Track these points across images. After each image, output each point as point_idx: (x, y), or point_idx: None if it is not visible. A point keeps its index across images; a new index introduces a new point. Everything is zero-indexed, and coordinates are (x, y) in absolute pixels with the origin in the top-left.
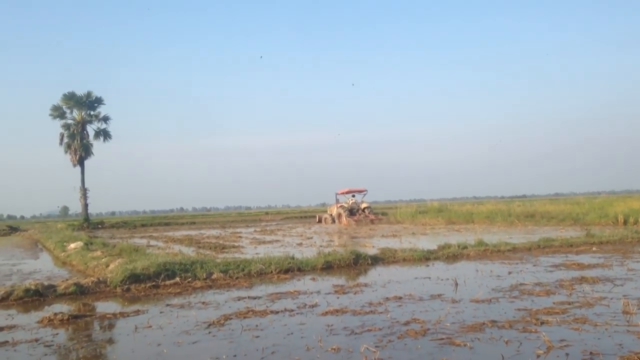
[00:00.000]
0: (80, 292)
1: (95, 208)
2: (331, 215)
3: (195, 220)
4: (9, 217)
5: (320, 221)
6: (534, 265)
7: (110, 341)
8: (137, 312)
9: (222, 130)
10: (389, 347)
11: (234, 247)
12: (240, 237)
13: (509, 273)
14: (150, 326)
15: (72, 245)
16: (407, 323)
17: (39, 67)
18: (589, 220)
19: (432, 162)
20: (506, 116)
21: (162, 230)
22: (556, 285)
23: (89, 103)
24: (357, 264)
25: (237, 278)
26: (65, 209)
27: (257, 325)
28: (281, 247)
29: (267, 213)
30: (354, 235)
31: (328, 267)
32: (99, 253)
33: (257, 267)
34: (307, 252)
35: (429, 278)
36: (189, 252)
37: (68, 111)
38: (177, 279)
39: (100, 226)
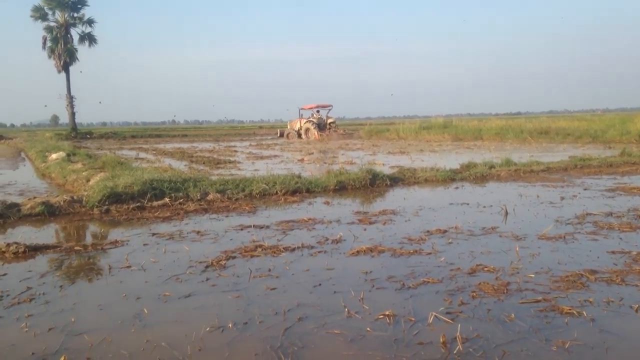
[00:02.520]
0: (49, 212)
1: (86, 118)
2: (296, 130)
3: (188, 133)
4: None
5: (281, 136)
6: (585, 189)
7: (72, 289)
8: (115, 244)
9: (215, 43)
10: (466, 316)
11: (229, 162)
12: (235, 151)
13: (562, 199)
14: (129, 266)
15: (54, 156)
16: (472, 272)
17: None
18: (609, 137)
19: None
20: (501, 33)
21: (153, 142)
22: (634, 216)
23: (71, 4)
24: (374, 184)
25: (236, 200)
26: (55, 118)
27: (269, 270)
28: (281, 162)
29: (261, 127)
30: (346, 150)
31: (341, 188)
32: (79, 165)
33: (259, 187)
34: (311, 169)
35: (467, 204)
36: (181, 166)
37: (50, 12)
38: (167, 199)
39: (88, 136)
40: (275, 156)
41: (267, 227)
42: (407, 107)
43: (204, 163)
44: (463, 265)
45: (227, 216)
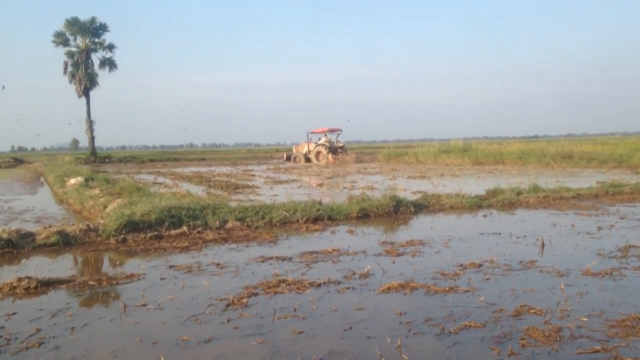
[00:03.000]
0: (64, 242)
1: (106, 142)
2: (303, 154)
3: (205, 156)
4: (20, 149)
5: (288, 159)
6: (621, 218)
7: (84, 332)
8: (131, 278)
9: (233, 66)
10: None
11: (247, 186)
12: (253, 175)
13: (599, 229)
14: (145, 304)
15: (72, 181)
16: (517, 314)
17: None
18: (635, 162)
19: (433, 100)
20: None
21: (171, 166)
22: None
23: (93, 30)
24: (398, 211)
25: (256, 228)
26: (75, 142)
27: (295, 310)
28: (300, 187)
29: (277, 150)
30: (365, 175)
31: (364, 215)
32: (97, 191)
33: (280, 214)
34: (331, 195)
35: (499, 234)
36: (199, 191)
37: (71, 38)
38: (185, 228)
39: (107, 160)
40: (294, 180)
41: (290, 259)
42: (424, 130)
43: (222, 188)
44: (506, 305)
45: (247, 246)
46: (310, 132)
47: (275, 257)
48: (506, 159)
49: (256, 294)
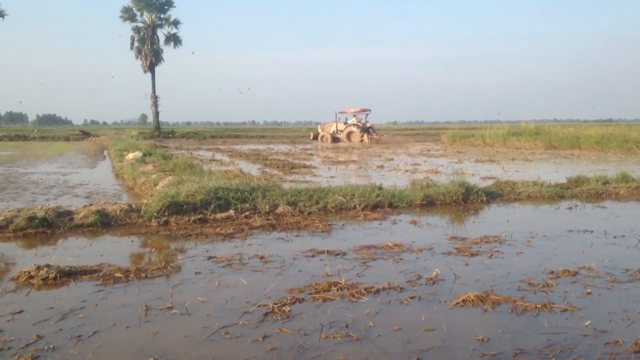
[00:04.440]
0: (103, 223)
1: (172, 117)
2: (330, 133)
3: (265, 134)
4: (92, 122)
5: (315, 139)
6: None
7: (91, 342)
8: (163, 270)
9: (299, 43)
10: None
11: (304, 166)
12: (311, 154)
13: None
14: (171, 307)
15: (130, 156)
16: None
17: None
18: None
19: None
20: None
21: (231, 142)
22: None
23: (159, 5)
24: (468, 200)
25: (309, 214)
26: (144, 117)
27: (347, 326)
28: (359, 169)
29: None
30: (428, 157)
31: (429, 203)
32: (150, 167)
33: (335, 199)
34: (392, 178)
35: (591, 232)
36: (254, 170)
37: (138, 13)
38: (231, 211)
39: (170, 135)
40: (353, 161)
41: (344, 254)
42: (489, 111)
43: (277, 167)
44: (620, 334)
45: (297, 236)
46: (340, 112)
47: (328, 251)
48: (583, 143)
49: (301, 300)
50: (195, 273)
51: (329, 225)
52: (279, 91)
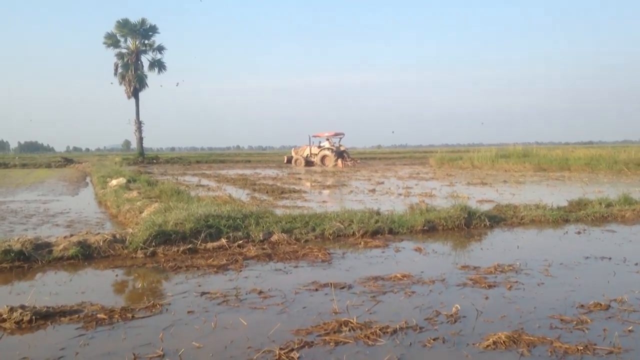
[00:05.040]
0: (85, 255)
1: (156, 143)
2: (304, 157)
3: (251, 158)
4: (75, 148)
5: (288, 162)
6: None
7: None
8: (151, 309)
9: (285, 68)
10: None
11: (294, 191)
12: (300, 179)
13: None
14: (162, 355)
15: (114, 182)
16: None
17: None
18: None
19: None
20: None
21: (217, 167)
22: None
23: (142, 31)
24: (470, 225)
25: (305, 241)
26: (127, 143)
27: None
28: (351, 193)
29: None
30: (419, 180)
31: (430, 228)
32: (134, 194)
33: (333, 226)
34: (386, 202)
35: (609, 258)
36: (243, 195)
37: (122, 40)
38: (223, 240)
39: (155, 161)
40: (343, 185)
41: (350, 287)
42: (469, 135)
43: (267, 192)
44: None
45: (296, 266)
46: (313, 136)
47: (332, 283)
48: (572, 165)
49: (311, 344)
50: (188, 312)
51: (329, 254)
52: (263, 116)
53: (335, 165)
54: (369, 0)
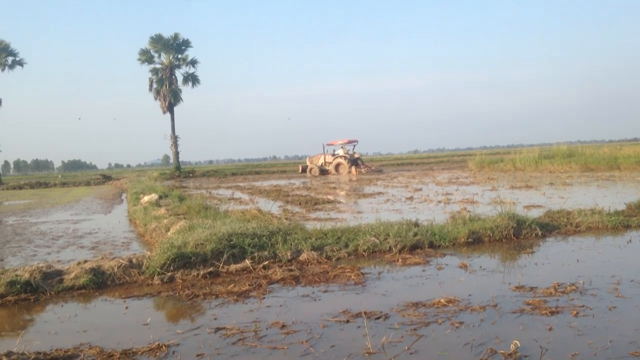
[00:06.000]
0: (98, 283)
1: (194, 157)
2: (319, 165)
3: (287, 168)
4: (117, 165)
5: (303, 172)
6: None
7: None
8: (155, 352)
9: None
10: None
11: (328, 202)
12: (334, 188)
13: None
14: None
15: (146, 199)
16: None
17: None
18: None
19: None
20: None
21: (251, 179)
22: None
23: (176, 46)
24: (520, 235)
25: (337, 259)
26: (166, 158)
27: None
28: (387, 202)
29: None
30: (458, 185)
31: (475, 240)
32: (162, 211)
33: (367, 241)
34: (425, 211)
35: None
36: (275, 208)
37: (156, 55)
38: (247, 261)
39: (191, 175)
40: (380, 193)
41: (386, 317)
42: (511, 137)
43: (299, 204)
44: None
45: (325, 291)
46: (327, 144)
47: (365, 313)
48: (622, 164)
49: None
50: (197, 355)
51: (363, 274)
52: (299, 125)
53: (350, 172)
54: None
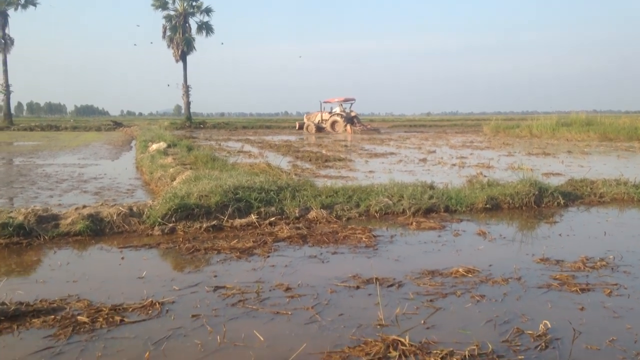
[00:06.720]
0: (96, 230)
1: (205, 108)
2: (315, 123)
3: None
4: (129, 113)
5: (300, 128)
6: None
7: None
8: (148, 309)
9: (332, 34)
10: None
11: (339, 159)
12: (345, 146)
13: None
14: None
15: (154, 147)
16: None
17: None
18: None
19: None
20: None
21: (262, 133)
22: None
23: None
24: (541, 204)
25: (347, 219)
26: (178, 108)
27: None
28: (400, 163)
29: (372, 120)
30: (473, 149)
31: (494, 207)
32: (169, 160)
33: (380, 202)
34: (439, 173)
35: None
36: (284, 163)
37: (170, 1)
38: (253, 216)
39: (202, 126)
40: (392, 154)
41: (400, 284)
42: (526, 103)
43: (310, 160)
44: None
45: (334, 252)
46: (324, 102)
47: (377, 279)
48: None
49: None
50: (193, 316)
51: (374, 237)
52: (311, 82)
53: (345, 130)
54: None
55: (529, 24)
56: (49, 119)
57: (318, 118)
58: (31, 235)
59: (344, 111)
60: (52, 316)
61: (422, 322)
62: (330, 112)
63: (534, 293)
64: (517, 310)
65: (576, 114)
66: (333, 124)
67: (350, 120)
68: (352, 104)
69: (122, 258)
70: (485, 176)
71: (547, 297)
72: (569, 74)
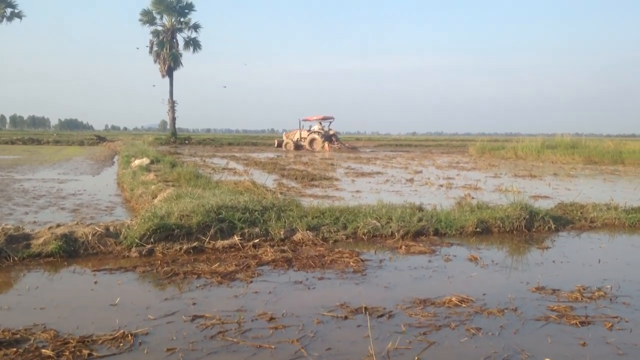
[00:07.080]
0: (69, 252)
1: (192, 124)
2: (294, 141)
3: None
4: (113, 127)
5: (279, 146)
6: None
7: None
8: (118, 342)
9: (321, 52)
10: None
11: (325, 178)
12: (332, 164)
13: None
14: None
15: (137, 162)
16: None
17: None
18: None
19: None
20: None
21: (248, 150)
22: None
23: (179, 9)
24: (532, 228)
25: (334, 242)
26: (164, 123)
27: None
28: (387, 182)
29: (358, 139)
30: (460, 170)
31: (484, 230)
32: (151, 176)
33: (368, 223)
34: (426, 194)
35: None
36: (269, 181)
37: (158, 17)
38: (236, 238)
39: (187, 142)
40: (379, 173)
41: (391, 315)
42: (510, 125)
43: (296, 178)
44: None
45: (320, 278)
46: (303, 120)
47: (367, 308)
48: (627, 158)
49: None
50: (167, 350)
51: (363, 261)
52: (297, 100)
53: (323, 148)
54: None
55: (514, 49)
56: (31, 132)
57: (297, 136)
58: (0, 256)
59: (322, 129)
60: (14, 349)
61: (416, 358)
62: (309, 130)
63: (532, 326)
64: (515, 346)
65: (561, 137)
66: (311, 141)
67: (328, 138)
68: (330, 122)
69: (95, 282)
70: (473, 198)
71: (546, 331)
72: (552, 96)
